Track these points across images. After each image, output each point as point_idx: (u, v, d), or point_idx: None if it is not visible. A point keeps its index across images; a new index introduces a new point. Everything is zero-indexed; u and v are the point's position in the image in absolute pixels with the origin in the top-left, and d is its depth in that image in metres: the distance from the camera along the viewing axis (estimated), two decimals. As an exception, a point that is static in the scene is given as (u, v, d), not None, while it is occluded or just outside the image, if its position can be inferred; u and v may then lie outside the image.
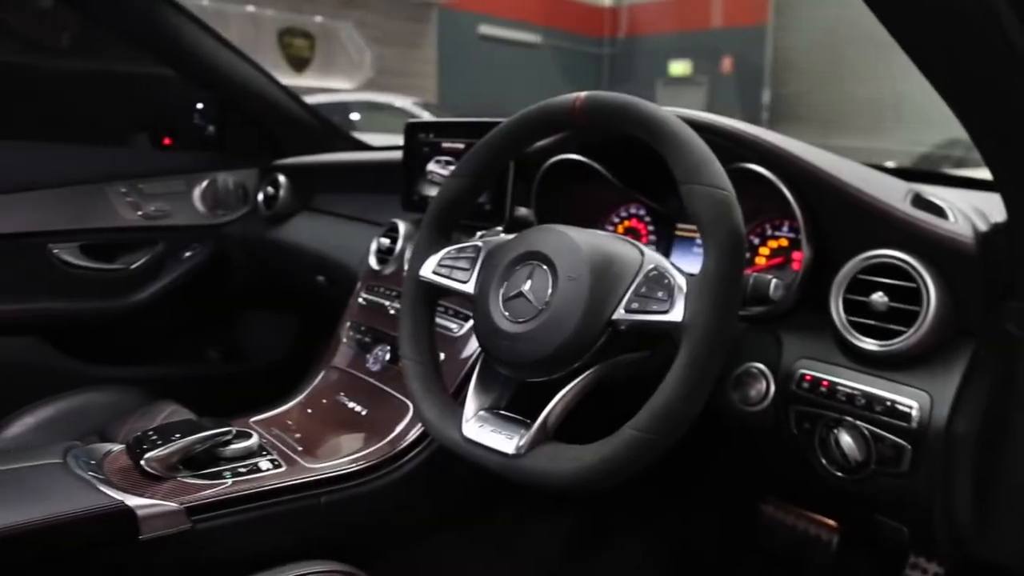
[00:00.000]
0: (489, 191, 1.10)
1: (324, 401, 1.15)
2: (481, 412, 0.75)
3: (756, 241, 0.95)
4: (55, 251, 1.55)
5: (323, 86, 8.66)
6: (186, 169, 1.64)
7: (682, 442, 0.64)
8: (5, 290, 1.53)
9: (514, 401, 0.76)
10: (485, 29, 10.94)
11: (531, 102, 0.79)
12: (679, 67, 11.56)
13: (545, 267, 0.72)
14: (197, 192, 1.66)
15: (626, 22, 12.53)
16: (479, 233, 1.08)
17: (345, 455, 0.97)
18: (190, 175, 1.63)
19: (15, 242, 1.51)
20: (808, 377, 0.78)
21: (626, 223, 1.10)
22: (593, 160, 1.01)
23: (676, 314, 0.64)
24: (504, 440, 0.70)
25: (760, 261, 0.95)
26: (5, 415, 1.38)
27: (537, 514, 1.21)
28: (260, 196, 1.67)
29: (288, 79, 7.19)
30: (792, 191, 0.82)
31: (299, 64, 9.22)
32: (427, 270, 0.83)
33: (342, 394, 1.13)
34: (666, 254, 0.92)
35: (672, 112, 0.71)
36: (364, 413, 1.08)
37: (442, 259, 0.83)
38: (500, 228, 1.11)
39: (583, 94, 0.74)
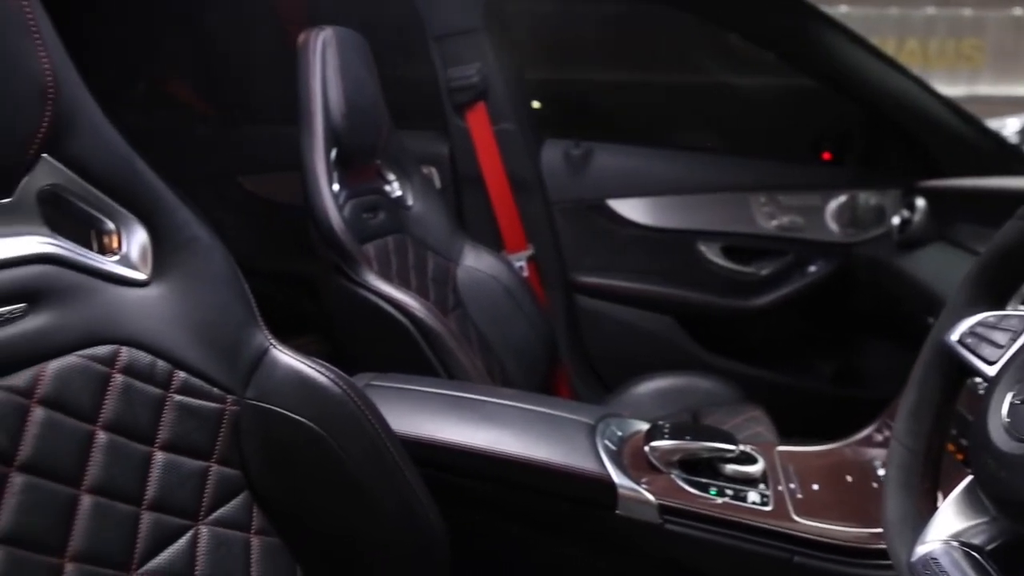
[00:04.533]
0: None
1: (862, 458, 1.02)
2: (952, 542, 0.57)
3: None
4: (701, 248, 1.77)
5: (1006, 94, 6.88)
6: (824, 184, 1.63)
7: None
8: (660, 273, 1.83)
9: (1007, 551, 0.55)
10: None
11: None
12: None
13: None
14: (832, 208, 1.63)
15: None
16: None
17: (840, 524, 0.86)
18: (826, 191, 1.61)
19: (671, 235, 1.79)
20: None
21: None
22: None
23: None
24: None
25: None
26: (636, 374, 1.67)
27: None
28: (896, 219, 1.53)
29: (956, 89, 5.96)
30: None
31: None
32: (955, 334, 0.65)
33: (879, 460, 0.99)
34: None
35: None
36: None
37: (977, 324, 0.64)
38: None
39: None
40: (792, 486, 0.93)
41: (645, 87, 2.04)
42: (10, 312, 0.62)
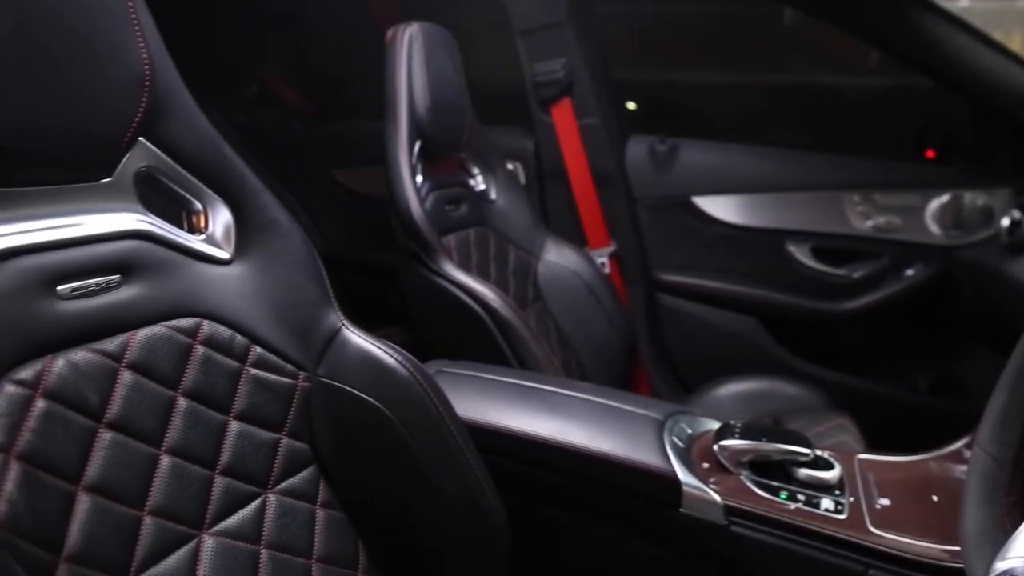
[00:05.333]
0: None
1: (949, 473, 0.96)
2: (1034, 558, 0.53)
3: None
4: (790, 248, 1.71)
5: None
6: (925, 183, 1.53)
7: None
8: (746, 273, 1.78)
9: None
10: None
11: None
12: None
13: None
14: (933, 208, 1.53)
15: None
16: None
17: (920, 539, 0.81)
18: (926, 190, 1.52)
19: (758, 234, 1.73)
20: None
21: None
22: None
23: None
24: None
25: None
26: (717, 376, 1.63)
27: None
28: (1005, 220, 1.43)
29: None
30: None
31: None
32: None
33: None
34: None
35: None
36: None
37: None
38: None
39: None
40: (870, 496, 0.89)
41: (736, 88, 1.98)
42: (106, 282, 0.67)
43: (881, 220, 1.60)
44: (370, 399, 0.80)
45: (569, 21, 1.77)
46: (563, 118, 1.85)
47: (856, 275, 1.66)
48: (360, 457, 0.81)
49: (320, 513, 0.80)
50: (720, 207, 1.76)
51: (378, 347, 0.82)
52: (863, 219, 1.62)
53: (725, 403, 1.59)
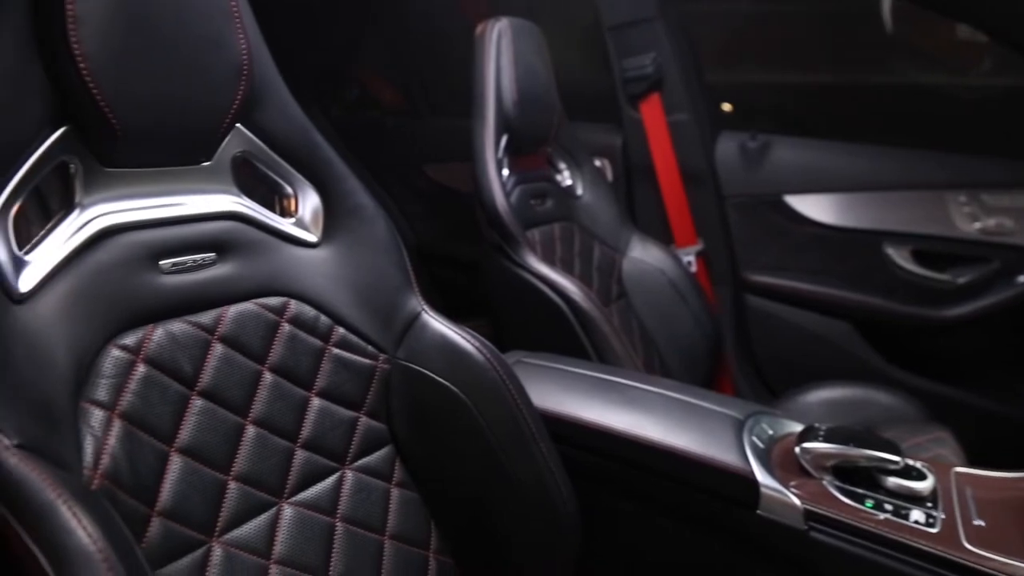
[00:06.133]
0: None
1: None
2: None
3: None
4: (888, 251, 1.63)
5: None
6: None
7: None
8: (840, 276, 1.71)
9: None
10: None
11: None
12: None
13: None
14: (1051, 211, 1.42)
15: None
16: None
17: (1021, 560, 0.76)
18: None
19: (854, 236, 1.65)
20: None
21: None
22: None
23: None
24: None
25: None
26: (806, 381, 1.58)
27: None
28: None
29: None
30: None
31: None
32: None
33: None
34: None
35: None
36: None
37: None
38: None
39: None
40: (967, 512, 0.83)
41: (838, 89, 1.90)
42: (203, 259, 0.71)
43: (991, 222, 1.50)
44: (447, 383, 0.81)
45: (660, 15, 1.74)
46: (652, 114, 1.82)
47: (961, 280, 1.56)
48: (435, 440, 0.83)
49: (395, 492, 0.82)
50: (813, 206, 1.69)
51: (456, 332, 0.83)
52: (970, 221, 1.52)
53: (813, 409, 1.53)
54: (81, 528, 0.45)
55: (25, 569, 0.45)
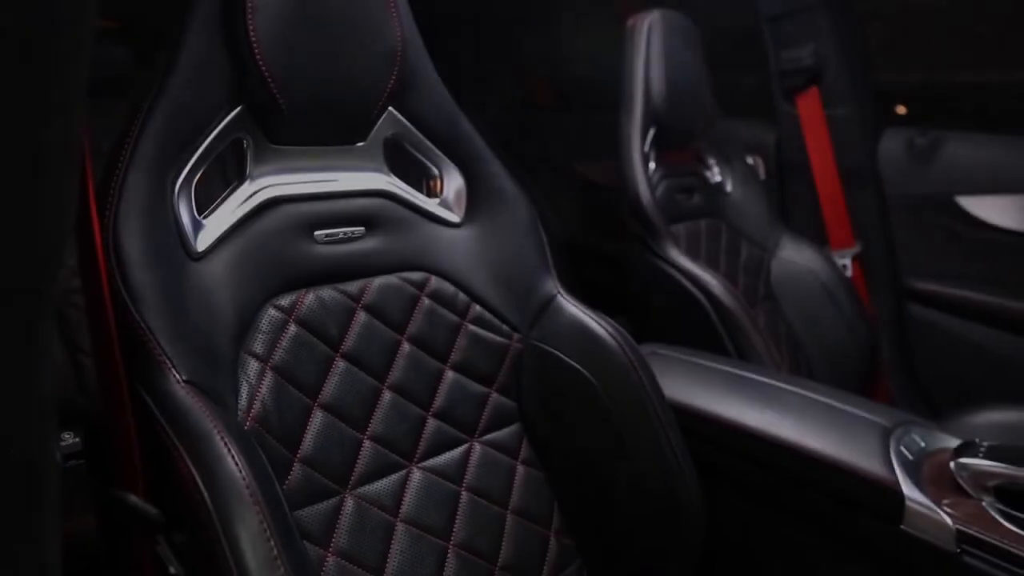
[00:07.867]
0: None
1: None
2: None
3: None
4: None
5: None
6: None
7: None
8: (1018, 287, 1.54)
9: None
10: None
11: None
12: None
13: None
14: None
15: None
16: None
17: None
18: None
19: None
20: None
21: None
22: None
23: None
24: None
25: None
26: (974, 401, 1.44)
27: None
28: None
29: None
30: None
31: None
32: None
33: None
34: None
35: None
36: None
37: None
38: None
39: None
40: None
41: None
42: (353, 232, 0.76)
43: None
44: (577, 365, 0.82)
45: (822, 3, 1.65)
46: (809, 108, 1.73)
47: None
48: (562, 421, 0.84)
49: (520, 468, 0.83)
50: (991, 209, 1.53)
51: (590, 317, 0.84)
52: None
53: (980, 432, 1.38)
54: (230, 457, 0.50)
55: (185, 487, 0.51)
